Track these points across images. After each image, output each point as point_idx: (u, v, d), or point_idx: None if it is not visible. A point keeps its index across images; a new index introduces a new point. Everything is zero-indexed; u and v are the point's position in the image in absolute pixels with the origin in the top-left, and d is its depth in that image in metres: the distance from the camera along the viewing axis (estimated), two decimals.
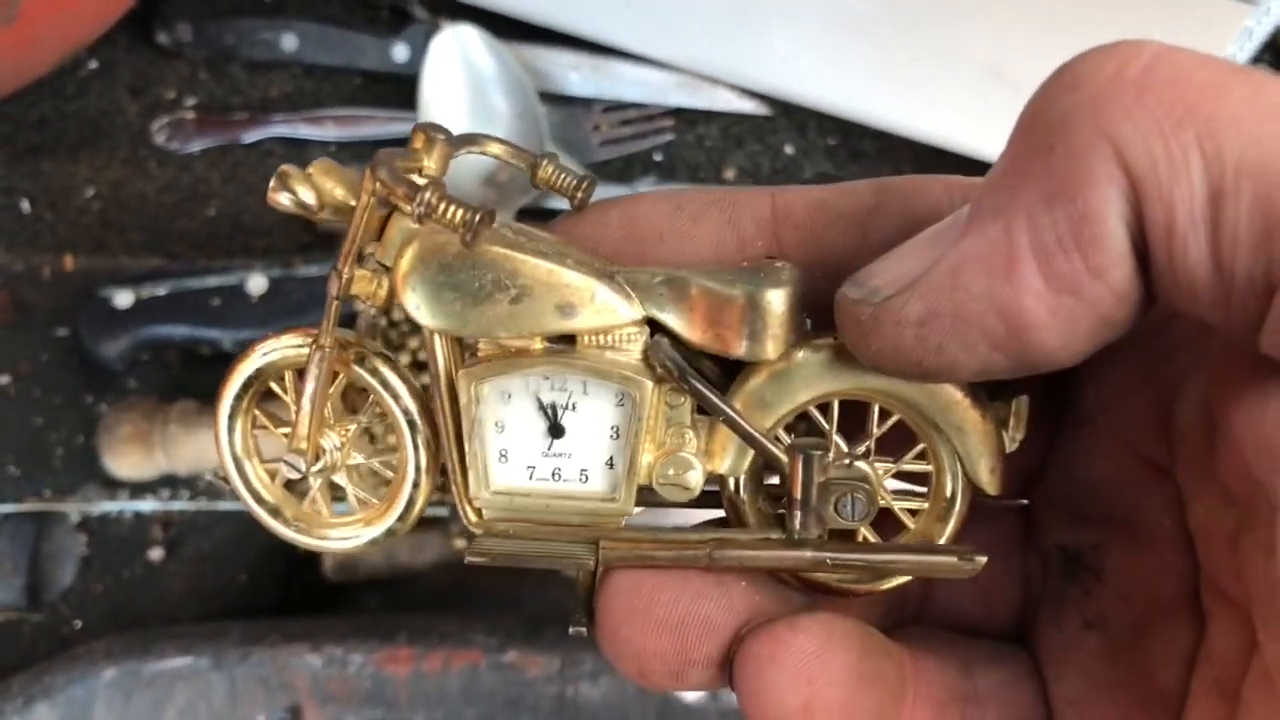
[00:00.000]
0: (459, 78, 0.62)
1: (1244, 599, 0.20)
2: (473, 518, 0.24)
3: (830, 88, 0.60)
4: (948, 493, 0.24)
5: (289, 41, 0.65)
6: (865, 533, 0.24)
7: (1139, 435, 0.23)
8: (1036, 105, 0.19)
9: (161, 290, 0.59)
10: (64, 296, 0.63)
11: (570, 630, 0.23)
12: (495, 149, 0.24)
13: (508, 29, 0.64)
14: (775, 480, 0.25)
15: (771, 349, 0.22)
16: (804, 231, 0.24)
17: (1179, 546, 0.23)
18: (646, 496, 0.24)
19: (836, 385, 0.23)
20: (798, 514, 0.23)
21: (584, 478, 0.23)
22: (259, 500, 0.25)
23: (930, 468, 0.24)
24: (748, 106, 0.64)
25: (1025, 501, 0.27)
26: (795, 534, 0.24)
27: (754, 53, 0.60)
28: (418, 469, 0.24)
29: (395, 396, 0.24)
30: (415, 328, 0.58)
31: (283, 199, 0.24)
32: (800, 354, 0.23)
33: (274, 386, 0.25)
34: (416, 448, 0.24)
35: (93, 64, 0.67)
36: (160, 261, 0.63)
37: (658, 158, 0.65)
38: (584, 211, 0.24)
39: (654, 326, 0.23)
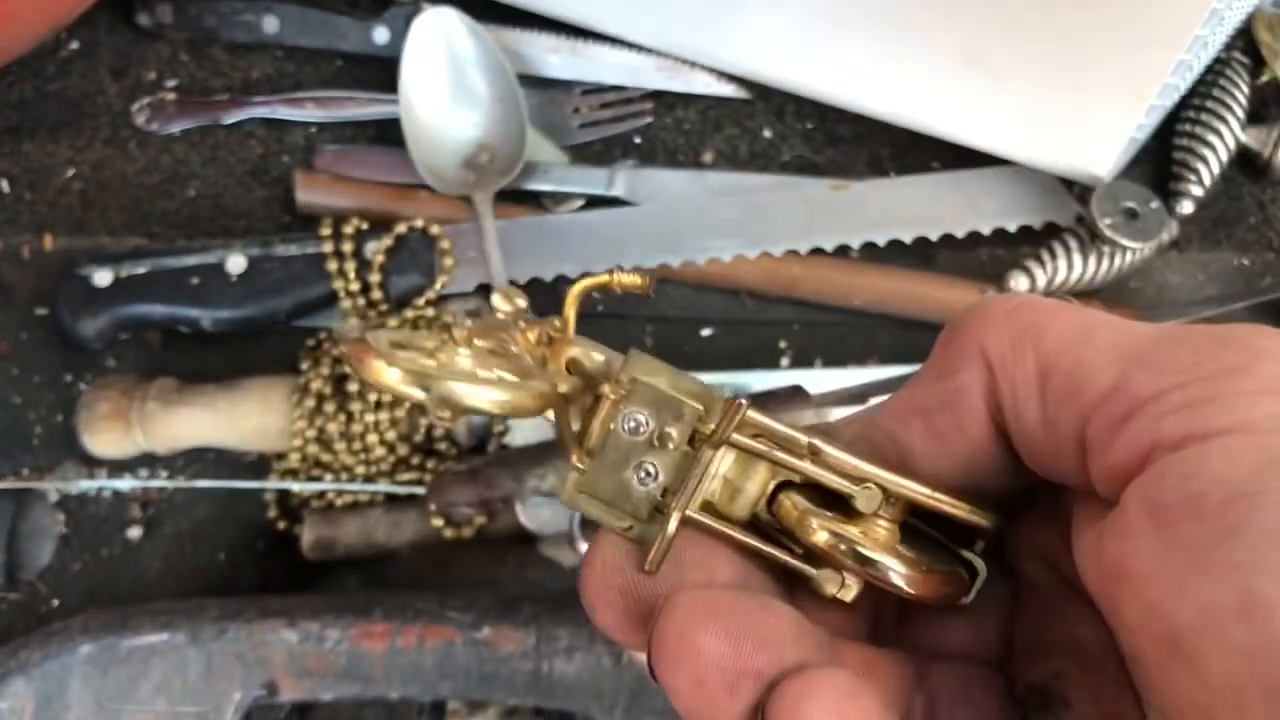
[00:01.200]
0: (439, 60, 0.62)
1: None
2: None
3: (808, 71, 0.61)
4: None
5: (270, 24, 0.65)
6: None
7: (1060, 564, 0.27)
8: (949, 325, 0.27)
9: (140, 269, 0.59)
10: (43, 276, 0.63)
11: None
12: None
13: (487, 11, 0.64)
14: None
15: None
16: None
17: (1121, 665, 0.25)
18: None
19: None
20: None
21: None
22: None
23: None
24: (726, 90, 0.64)
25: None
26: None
27: (733, 36, 0.61)
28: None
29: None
30: (393, 309, 0.59)
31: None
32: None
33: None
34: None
35: (73, 45, 0.67)
36: (140, 241, 0.63)
37: (637, 140, 0.65)
38: None
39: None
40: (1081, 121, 0.54)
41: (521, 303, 0.26)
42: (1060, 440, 0.24)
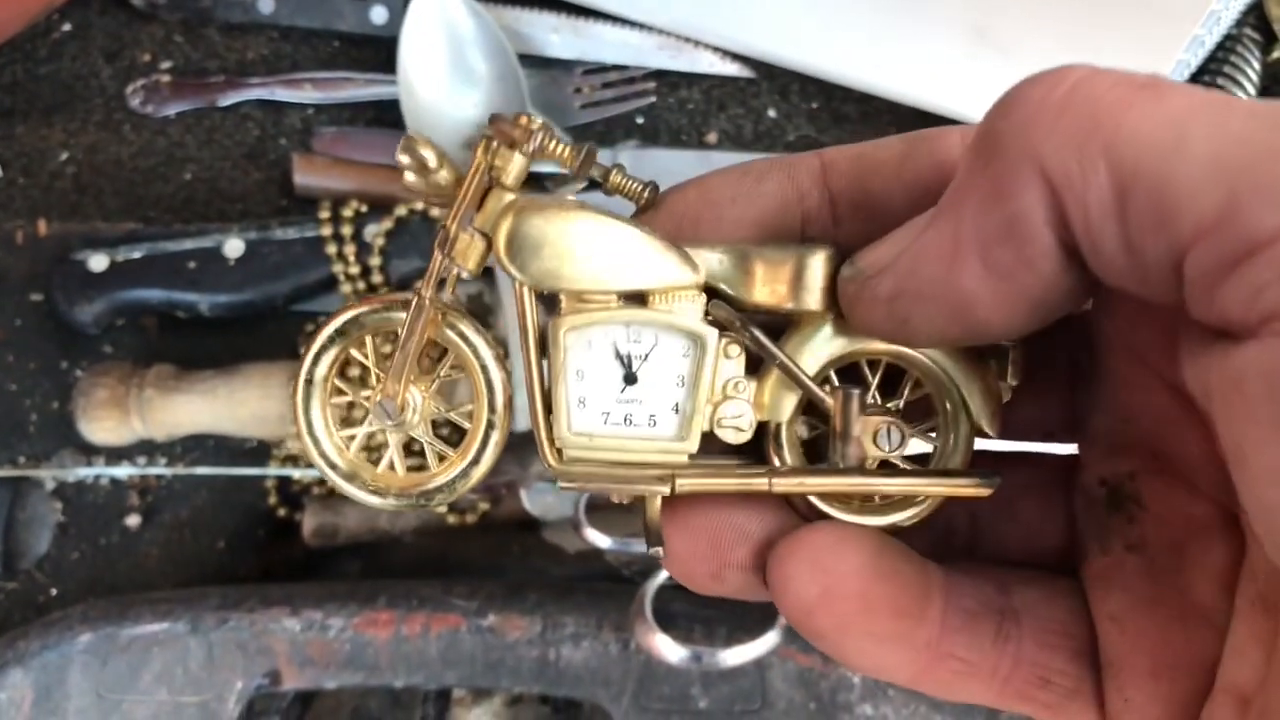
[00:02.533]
0: (438, 40, 0.61)
1: None
2: (553, 459, 0.27)
3: (813, 50, 0.60)
4: (956, 437, 0.28)
5: (265, 4, 0.64)
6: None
7: (1157, 362, 0.25)
8: (981, 128, 0.23)
9: (137, 254, 0.58)
10: (38, 261, 0.62)
11: (649, 550, 0.26)
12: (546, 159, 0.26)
13: None
14: (806, 434, 0.28)
15: (815, 303, 0.26)
16: (848, 178, 0.27)
17: (1211, 471, 0.25)
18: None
19: (855, 345, 0.27)
20: (840, 445, 0.27)
21: (652, 422, 0.27)
22: (333, 468, 0.27)
23: (939, 419, 0.28)
24: (730, 69, 0.63)
25: (1074, 447, 0.29)
26: (840, 463, 0.27)
27: (736, 14, 0.60)
28: (493, 409, 0.27)
29: (475, 349, 0.27)
30: (394, 292, 0.58)
31: (403, 158, 0.26)
32: (830, 315, 0.27)
33: (354, 353, 0.27)
34: (493, 391, 0.27)
35: (66, 27, 0.66)
36: (136, 225, 0.62)
37: (639, 120, 0.64)
38: (667, 193, 0.28)
39: (709, 294, 0.27)
40: None
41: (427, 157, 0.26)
42: (1149, 271, 0.21)
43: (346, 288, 0.58)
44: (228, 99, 0.64)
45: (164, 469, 0.59)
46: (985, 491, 0.27)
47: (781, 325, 0.27)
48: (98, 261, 0.58)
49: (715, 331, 0.26)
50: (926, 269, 0.23)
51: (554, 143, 0.26)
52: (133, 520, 0.60)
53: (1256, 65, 0.62)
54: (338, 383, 0.27)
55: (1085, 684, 0.26)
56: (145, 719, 0.52)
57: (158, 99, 0.65)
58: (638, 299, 0.26)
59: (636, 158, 0.62)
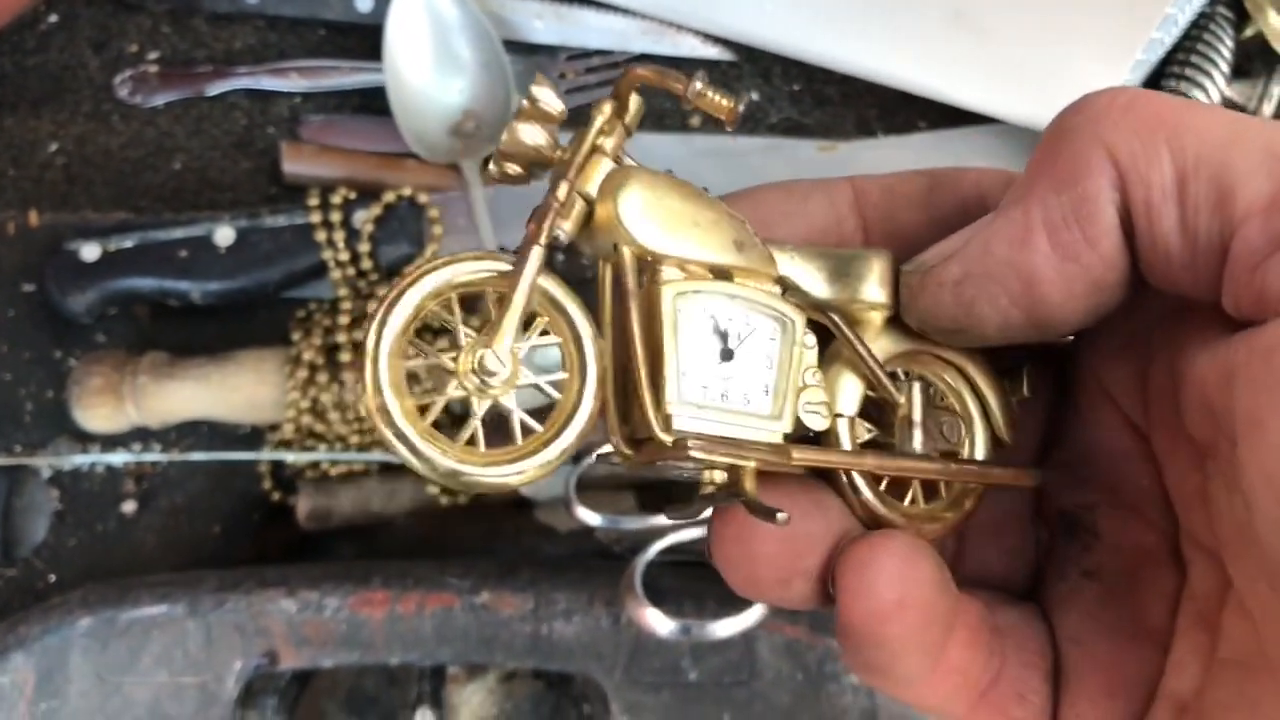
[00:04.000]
0: (423, 27, 0.62)
1: (1216, 546, 0.25)
2: (660, 429, 0.24)
3: (794, 32, 0.61)
4: (975, 445, 0.29)
5: None
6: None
7: (1123, 401, 0.28)
8: (1050, 128, 0.25)
9: (128, 243, 0.59)
10: (30, 252, 0.63)
11: (779, 519, 0.25)
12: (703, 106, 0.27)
13: None
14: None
15: (874, 301, 0.27)
16: (879, 210, 0.29)
17: (1159, 504, 0.27)
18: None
19: (905, 348, 0.28)
20: (909, 432, 0.28)
21: (746, 401, 0.26)
22: (403, 440, 0.24)
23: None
24: (712, 52, 0.64)
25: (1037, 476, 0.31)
26: (911, 451, 0.28)
27: None
28: (586, 381, 0.24)
29: (571, 317, 0.25)
30: (383, 278, 0.59)
31: (539, 92, 0.26)
32: (886, 315, 0.28)
33: (435, 309, 0.25)
34: (586, 362, 0.25)
35: (52, 18, 0.66)
36: (127, 215, 0.63)
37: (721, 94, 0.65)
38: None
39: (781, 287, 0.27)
40: (1068, 77, 0.54)
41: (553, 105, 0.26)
42: (1199, 251, 0.23)
43: (336, 274, 0.59)
44: (215, 88, 0.65)
45: (159, 455, 0.60)
46: (1033, 482, 0.29)
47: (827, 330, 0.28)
48: (89, 251, 0.59)
49: (803, 317, 0.26)
50: (997, 249, 0.25)
51: (712, 91, 0.26)
52: (129, 507, 0.60)
53: (1230, 44, 0.63)
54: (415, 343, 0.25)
55: (1050, 702, 0.28)
56: (146, 700, 0.53)
57: (146, 89, 0.65)
58: (725, 276, 0.26)
59: None
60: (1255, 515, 0.21)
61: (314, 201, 0.59)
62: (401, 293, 0.24)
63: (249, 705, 0.54)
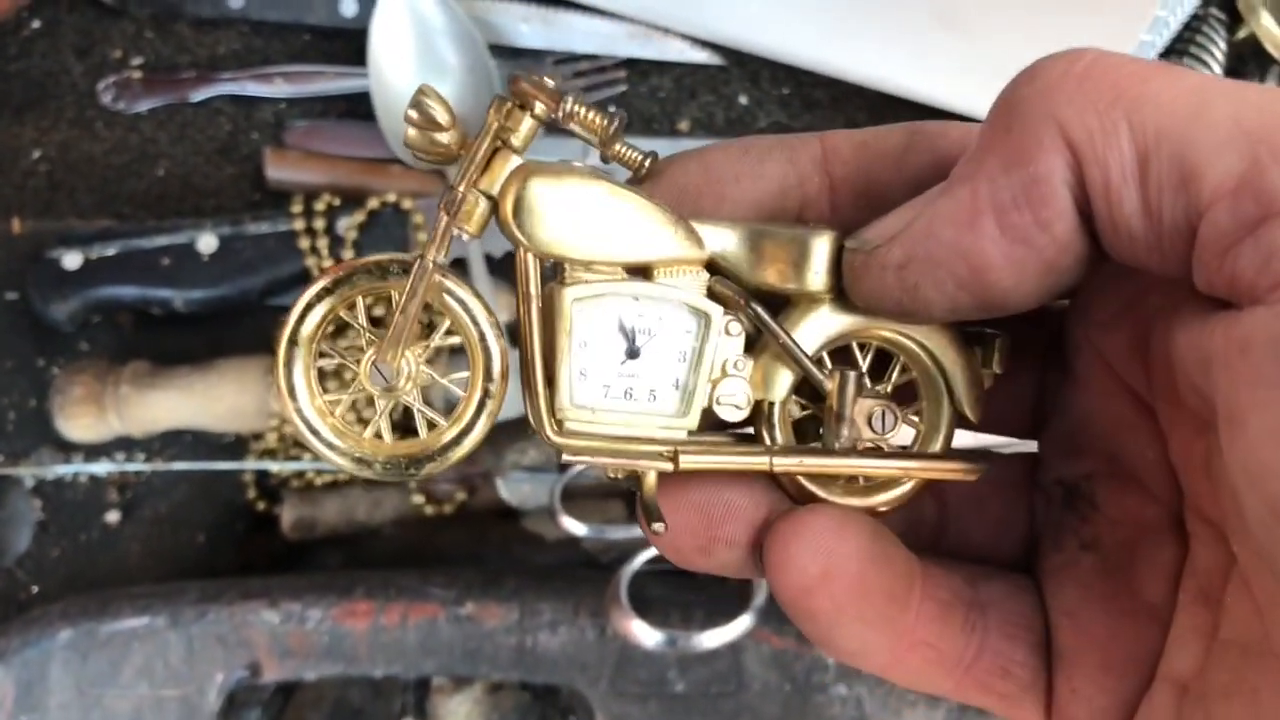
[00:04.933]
0: (408, 31, 0.61)
1: (1220, 520, 0.23)
2: (552, 432, 0.25)
3: (782, 36, 0.60)
4: (938, 422, 0.28)
5: None
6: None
7: (1123, 369, 0.26)
8: (1002, 97, 0.23)
9: (111, 251, 0.59)
10: (12, 260, 0.62)
11: (651, 528, 0.26)
12: (574, 126, 0.26)
13: None
14: (796, 413, 0.28)
15: (817, 283, 0.26)
16: (850, 167, 0.27)
17: (1162, 475, 0.26)
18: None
19: (851, 326, 0.27)
20: (836, 426, 0.27)
21: (652, 397, 0.26)
22: (314, 433, 0.26)
23: (923, 404, 0.28)
24: (700, 56, 0.63)
25: (1034, 444, 0.29)
26: (835, 445, 0.27)
27: (704, 2, 0.60)
28: (489, 378, 0.25)
29: (473, 315, 0.26)
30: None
31: (412, 113, 0.25)
32: (830, 296, 0.27)
33: (344, 314, 0.26)
34: (490, 360, 0.25)
35: (36, 24, 0.66)
36: (110, 222, 0.62)
37: (611, 109, 0.64)
38: (667, 163, 0.27)
39: (712, 270, 0.26)
40: None
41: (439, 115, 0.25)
42: (1164, 234, 0.21)
43: None
44: (199, 94, 0.64)
45: (143, 465, 0.59)
46: (972, 477, 0.27)
47: (778, 305, 0.27)
48: (72, 259, 0.58)
49: (720, 309, 0.26)
50: (942, 233, 0.23)
51: (584, 109, 0.25)
52: (112, 516, 0.60)
53: (1222, 45, 0.62)
54: (324, 346, 0.26)
55: (1040, 676, 0.27)
56: (127, 713, 0.52)
57: (129, 95, 0.65)
58: (642, 271, 0.26)
59: None
60: (1243, 508, 0.21)
61: (297, 208, 0.58)
62: (312, 300, 0.25)
63: (231, 718, 0.53)
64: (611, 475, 0.27)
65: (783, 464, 0.26)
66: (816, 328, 0.27)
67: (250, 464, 0.58)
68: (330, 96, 0.64)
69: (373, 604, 0.53)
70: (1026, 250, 0.22)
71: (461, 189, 0.25)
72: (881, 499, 0.28)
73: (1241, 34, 0.63)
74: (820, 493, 0.27)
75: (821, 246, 0.26)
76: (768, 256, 0.26)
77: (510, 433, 0.55)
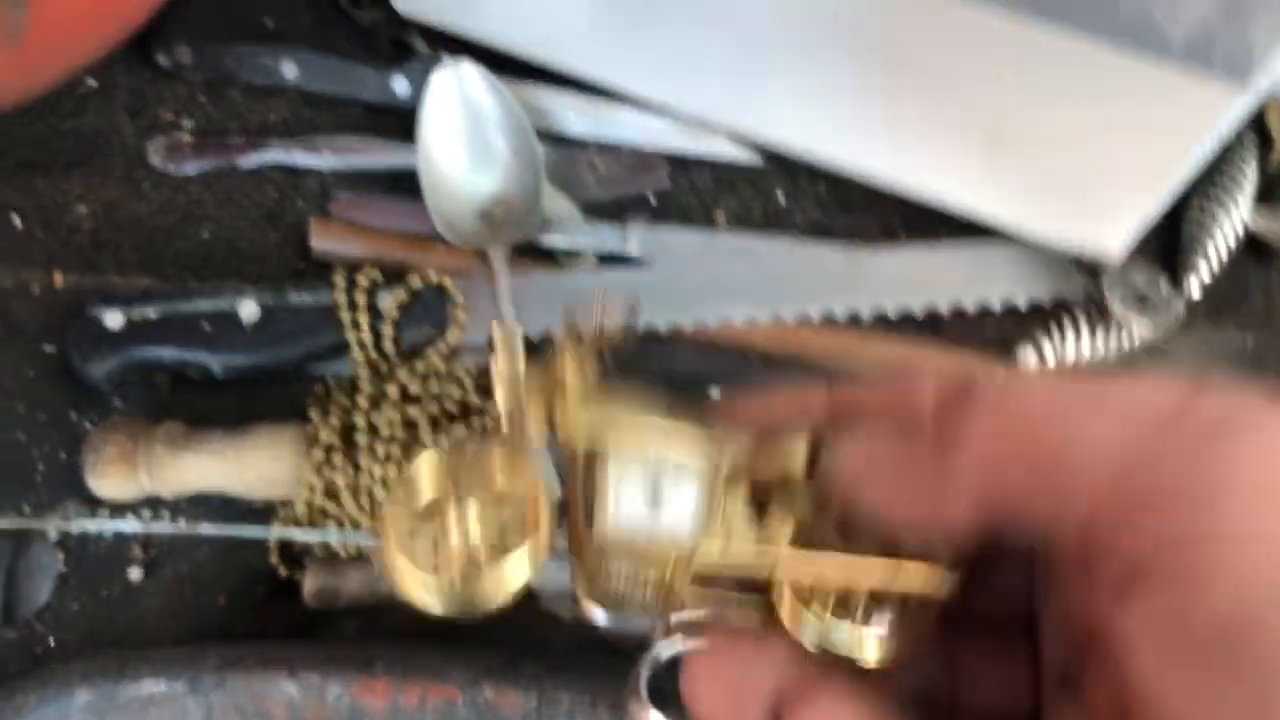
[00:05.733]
0: (458, 113, 0.63)
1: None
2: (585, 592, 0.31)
3: (824, 144, 0.61)
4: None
5: (289, 69, 0.65)
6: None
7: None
8: (935, 390, 0.28)
9: (152, 313, 0.59)
10: (53, 314, 0.63)
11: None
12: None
13: (507, 66, 0.65)
14: None
15: (797, 473, 0.30)
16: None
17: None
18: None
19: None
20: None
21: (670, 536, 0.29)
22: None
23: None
24: (742, 155, 0.64)
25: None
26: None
27: (750, 106, 0.61)
28: (540, 537, 0.30)
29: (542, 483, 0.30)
30: (404, 360, 0.59)
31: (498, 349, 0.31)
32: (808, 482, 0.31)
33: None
34: (540, 521, 0.30)
35: (91, 82, 0.67)
36: (151, 282, 0.63)
37: (650, 198, 0.65)
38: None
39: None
40: (1097, 204, 0.54)
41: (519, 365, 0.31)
42: (1047, 527, 0.25)
43: (358, 354, 0.59)
44: (248, 160, 0.66)
45: (169, 527, 0.60)
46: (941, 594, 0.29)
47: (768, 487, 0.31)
48: (113, 319, 0.59)
49: (723, 476, 0.30)
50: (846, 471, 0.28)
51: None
52: (134, 573, 0.60)
53: (1253, 170, 0.64)
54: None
55: None
56: None
57: (179, 157, 0.66)
58: (663, 457, 0.29)
59: (647, 235, 0.63)
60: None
61: (340, 281, 0.59)
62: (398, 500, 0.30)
63: None
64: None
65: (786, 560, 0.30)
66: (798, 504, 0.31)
67: (275, 532, 0.59)
68: (376, 170, 0.65)
69: (391, 682, 0.53)
70: (916, 506, 0.27)
71: (533, 410, 0.30)
72: (886, 653, 0.29)
73: (1275, 158, 0.65)
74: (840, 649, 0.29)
75: (799, 448, 0.30)
76: (762, 455, 0.31)
77: None
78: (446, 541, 0.29)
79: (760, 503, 0.30)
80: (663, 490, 0.29)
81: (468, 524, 0.29)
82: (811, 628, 0.29)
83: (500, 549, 0.29)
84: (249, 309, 0.59)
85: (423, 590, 0.29)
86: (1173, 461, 0.23)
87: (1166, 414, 0.24)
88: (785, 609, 0.30)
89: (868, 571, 0.29)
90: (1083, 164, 0.52)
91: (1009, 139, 0.53)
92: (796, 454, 0.30)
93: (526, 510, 0.30)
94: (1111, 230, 0.55)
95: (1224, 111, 0.46)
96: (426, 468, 0.30)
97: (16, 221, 0.65)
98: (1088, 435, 0.24)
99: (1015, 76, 0.49)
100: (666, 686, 0.52)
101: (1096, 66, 0.46)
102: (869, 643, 0.29)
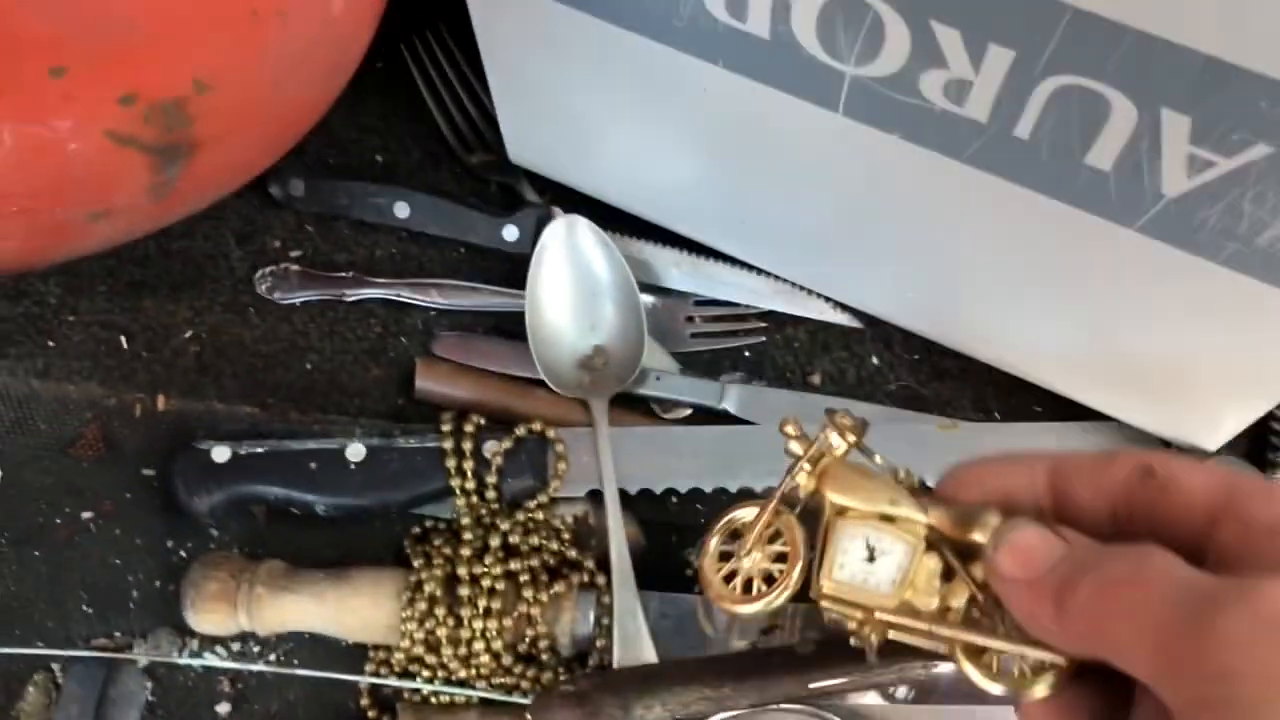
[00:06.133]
0: (568, 265, 0.64)
1: None
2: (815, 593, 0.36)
3: (920, 316, 0.63)
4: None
5: (401, 209, 0.67)
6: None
7: None
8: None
9: (260, 449, 0.60)
10: (154, 437, 0.64)
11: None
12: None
13: (611, 216, 0.66)
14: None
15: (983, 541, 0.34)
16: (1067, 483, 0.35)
17: None
18: None
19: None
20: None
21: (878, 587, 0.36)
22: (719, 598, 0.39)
23: None
24: (838, 318, 0.66)
25: None
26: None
27: (849, 274, 0.63)
28: (796, 568, 0.38)
29: (794, 533, 0.38)
30: (504, 509, 0.60)
31: (789, 429, 0.38)
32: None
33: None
34: (798, 558, 0.38)
35: None
36: (253, 410, 0.64)
37: (746, 354, 0.67)
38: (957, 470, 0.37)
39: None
40: (1205, 403, 0.55)
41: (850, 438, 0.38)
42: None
43: (461, 501, 0.60)
44: (354, 294, 0.67)
45: (262, 666, 0.60)
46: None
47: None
48: (220, 453, 0.60)
49: (923, 544, 0.35)
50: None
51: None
52: (222, 708, 0.60)
53: None
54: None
55: None
56: None
57: (285, 286, 0.67)
58: (886, 518, 0.36)
59: (743, 392, 0.64)
60: None
61: (447, 427, 0.60)
62: (708, 539, 0.40)
63: None
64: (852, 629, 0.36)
65: (947, 633, 0.34)
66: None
67: (367, 678, 0.59)
68: (480, 312, 0.67)
69: None
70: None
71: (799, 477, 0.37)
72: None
73: None
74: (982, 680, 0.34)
75: (993, 518, 0.34)
76: (959, 521, 0.35)
77: (640, 686, 0.56)
78: (740, 573, 0.38)
79: (948, 567, 0.35)
80: (878, 549, 0.36)
81: (754, 565, 0.38)
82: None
83: (768, 581, 0.38)
84: (356, 450, 0.60)
85: (726, 600, 0.38)
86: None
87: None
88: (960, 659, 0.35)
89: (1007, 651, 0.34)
90: (1196, 366, 0.54)
91: (1121, 338, 0.55)
92: (989, 524, 0.33)
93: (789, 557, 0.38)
94: (1213, 426, 0.57)
95: None
96: (743, 519, 0.39)
97: (122, 341, 0.66)
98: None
99: (1137, 286, 0.50)
100: None
101: (1216, 282, 0.48)
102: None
